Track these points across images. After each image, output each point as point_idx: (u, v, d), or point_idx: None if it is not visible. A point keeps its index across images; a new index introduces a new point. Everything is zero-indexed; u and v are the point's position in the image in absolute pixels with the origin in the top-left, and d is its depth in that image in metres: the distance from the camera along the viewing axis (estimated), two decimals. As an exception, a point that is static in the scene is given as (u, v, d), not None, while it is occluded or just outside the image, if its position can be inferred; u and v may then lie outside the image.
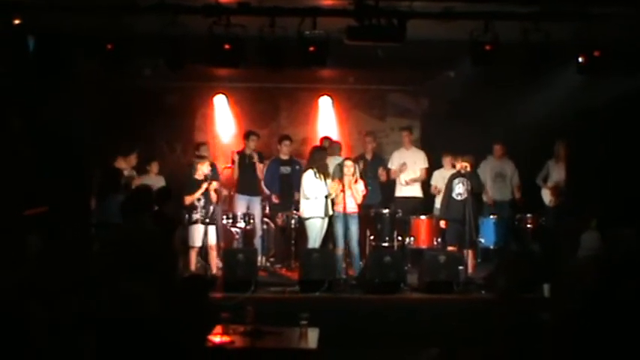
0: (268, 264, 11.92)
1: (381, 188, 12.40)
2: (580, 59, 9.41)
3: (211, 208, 10.72)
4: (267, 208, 12.35)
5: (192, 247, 10.64)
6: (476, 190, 10.82)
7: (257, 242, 11.98)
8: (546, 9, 8.77)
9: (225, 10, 8.72)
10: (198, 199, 10.52)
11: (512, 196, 12.57)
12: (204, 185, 10.54)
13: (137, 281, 6.16)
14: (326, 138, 12.89)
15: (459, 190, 10.88)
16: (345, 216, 10.83)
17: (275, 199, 12.33)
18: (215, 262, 10.79)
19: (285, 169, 12.27)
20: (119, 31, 9.01)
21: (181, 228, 10.55)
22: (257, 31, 8.81)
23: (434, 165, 12.44)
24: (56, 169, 9.75)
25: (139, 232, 6.85)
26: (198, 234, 10.53)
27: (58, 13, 8.75)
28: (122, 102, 12.07)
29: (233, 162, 12.17)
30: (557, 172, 12.20)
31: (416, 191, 12.42)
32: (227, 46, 8.91)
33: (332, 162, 11.51)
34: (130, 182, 10.98)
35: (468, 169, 10.82)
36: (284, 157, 12.42)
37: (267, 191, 12.43)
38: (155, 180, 11.64)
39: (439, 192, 11.96)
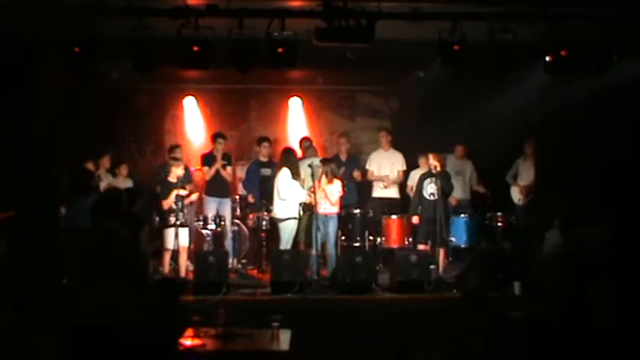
0: (239, 266, 11.90)
1: (357, 188, 12.40)
2: (547, 58, 9.48)
3: (185, 210, 10.70)
4: (238, 209, 12.31)
5: (167, 250, 10.59)
6: (446, 189, 10.86)
7: (228, 244, 11.96)
8: (513, 9, 8.82)
9: (194, 12, 8.68)
10: (175, 203, 10.47)
11: (471, 195, 12.66)
12: (175, 191, 10.48)
13: (109, 285, 6.14)
14: (306, 139, 12.86)
15: (431, 189, 10.90)
16: (322, 217, 10.85)
17: (250, 199, 12.28)
18: (185, 265, 10.74)
19: (266, 171, 12.22)
20: (86, 33, 8.94)
21: (149, 229, 10.51)
22: (225, 32, 8.80)
23: (410, 166, 12.45)
24: (23, 173, 9.65)
25: (110, 236, 6.79)
26: (172, 237, 10.47)
27: (24, 15, 8.66)
28: (90, 104, 12.01)
29: (202, 164, 12.14)
30: (526, 171, 12.30)
31: (393, 192, 12.44)
32: (196, 48, 8.88)
33: (312, 163, 11.50)
34: (98, 185, 10.91)
35: (438, 168, 10.85)
36: (264, 159, 12.40)
37: (243, 192, 12.39)
38: (124, 183, 11.59)
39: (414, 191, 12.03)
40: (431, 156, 10.91)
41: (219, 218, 11.59)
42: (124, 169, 12.02)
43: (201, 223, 11.52)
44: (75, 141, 11.18)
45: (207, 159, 12.11)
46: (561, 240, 9.13)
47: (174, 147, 12.35)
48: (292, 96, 13.93)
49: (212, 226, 11.52)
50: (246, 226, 12.13)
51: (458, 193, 12.32)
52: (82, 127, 11.60)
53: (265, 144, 12.43)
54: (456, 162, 12.58)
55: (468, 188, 12.66)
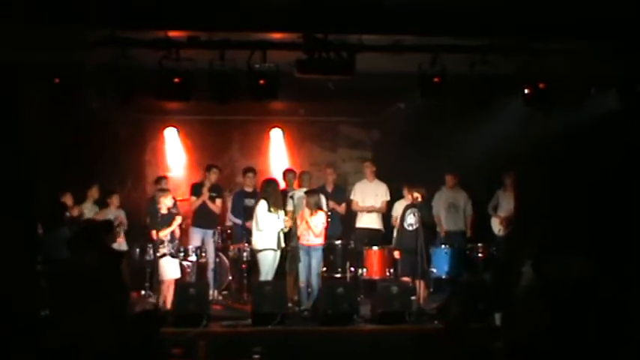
0: (220, 297, 11.84)
1: (341, 220, 12.39)
2: (526, 91, 9.56)
3: (176, 241, 10.74)
4: (220, 241, 12.27)
5: (164, 281, 10.50)
6: (426, 220, 10.89)
7: (209, 275, 11.91)
8: (493, 42, 8.91)
9: (175, 43, 8.70)
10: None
11: (466, 226, 12.68)
12: (178, 219, 10.53)
13: (86, 317, 6.09)
14: (289, 170, 12.86)
15: (411, 220, 10.96)
16: (305, 248, 10.87)
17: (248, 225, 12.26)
18: (171, 297, 10.68)
19: (250, 202, 12.19)
20: (67, 64, 8.93)
21: (127, 262, 10.50)
22: (207, 64, 8.82)
23: (394, 197, 12.45)
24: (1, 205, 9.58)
25: (87, 268, 6.76)
26: (169, 267, 10.43)
27: (4, 46, 8.65)
28: (71, 135, 11.95)
29: (191, 194, 12.13)
30: (506, 202, 12.34)
31: (376, 223, 12.44)
32: (177, 80, 8.88)
33: (293, 194, 11.50)
34: (78, 216, 10.88)
35: (420, 199, 10.91)
36: (248, 189, 12.42)
37: (235, 221, 12.35)
38: (114, 214, 11.57)
39: (398, 223, 12.06)
40: (408, 189, 10.99)
41: (200, 249, 11.56)
42: (115, 200, 12.02)
43: (182, 254, 11.47)
44: (54, 172, 11.14)
45: (196, 189, 12.12)
46: (534, 275, 9.13)
47: (160, 178, 12.37)
48: (274, 127, 13.97)
49: (193, 258, 11.49)
50: (227, 258, 12.09)
51: (450, 225, 12.35)
52: (62, 159, 11.54)
53: (250, 174, 12.45)
54: (449, 193, 12.58)
55: (462, 219, 12.64)
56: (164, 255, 10.39)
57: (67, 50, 8.72)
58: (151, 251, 10.84)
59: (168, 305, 10.24)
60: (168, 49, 8.70)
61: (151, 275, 11.14)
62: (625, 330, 5.22)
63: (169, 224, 10.58)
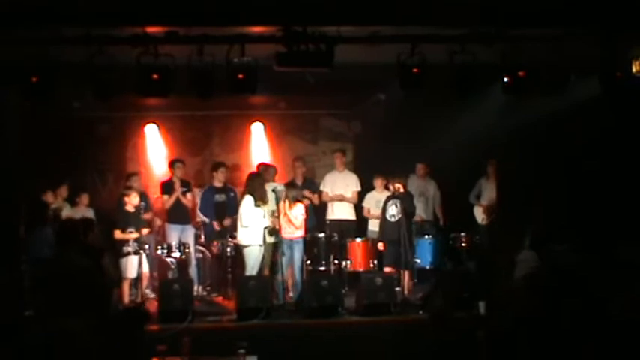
0: (205, 293, 11.82)
1: (314, 212, 12.38)
2: (505, 79, 9.58)
3: (143, 238, 10.64)
4: (203, 236, 12.24)
5: (126, 279, 10.50)
6: (409, 211, 10.91)
7: (192, 271, 11.87)
8: (471, 31, 8.91)
9: (153, 39, 8.64)
10: (130, 231, 10.42)
11: (434, 216, 12.71)
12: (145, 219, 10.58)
13: (70, 316, 6.06)
14: (262, 164, 12.84)
15: (393, 211, 10.98)
16: (287, 241, 10.87)
17: (217, 227, 12.22)
18: (144, 292, 10.64)
19: (220, 197, 12.22)
20: (45, 62, 8.86)
21: (109, 259, 10.42)
22: (185, 59, 8.76)
23: (367, 188, 12.47)
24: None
25: (68, 266, 6.73)
26: (131, 265, 10.39)
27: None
28: (51, 133, 11.88)
29: (162, 192, 12.08)
30: (489, 191, 12.38)
31: (348, 214, 12.44)
32: (155, 76, 8.80)
33: (268, 188, 11.48)
34: (59, 215, 10.80)
35: (402, 190, 10.93)
36: (218, 184, 12.36)
37: (203, 218, 12.34)
38: (84, 212, 11.49)
39: (371, 214, 12.07)
40: (393, 180, 11.00)
41: (183, 246, 11.52)
42: (84, 199, 11.94)
43: (165, 250, 11.43)
44: (35, 171, 11.07)
45: (167, 187, 12.07)
46: (534, 260, 9.15)
47: (131, 175, 12.29)
48: (254, 121, 13.93)
49: (176, 254, 11.45)
50: (211, 253, 12.06)
51: (421, 214, 12.37)
52: (42, 157, 11.46)
53: (222, 169, 12.40)
54: (420, 182, 12.63)
55: (430, 209, 12.71)
56: (128, 253, 10.33)
57: (43, 48, 8.66)
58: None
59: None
60: (146, 45, 8.65)
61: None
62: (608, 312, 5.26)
63: (136, 223, 10.52)
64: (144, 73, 8.80)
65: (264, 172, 12.19)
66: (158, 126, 13.66)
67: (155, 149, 13.70)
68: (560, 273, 5.91)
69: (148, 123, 13.61)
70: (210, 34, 8.70)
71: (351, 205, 12.45)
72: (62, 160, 12.31)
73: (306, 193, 12.14)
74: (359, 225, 12.39)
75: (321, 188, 12.54)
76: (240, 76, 8.94)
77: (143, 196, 11.40)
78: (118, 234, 10.48)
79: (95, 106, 10.83)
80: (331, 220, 12.38)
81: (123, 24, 8.51)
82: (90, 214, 11.53)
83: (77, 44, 8.56)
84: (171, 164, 12.24)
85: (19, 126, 10.38)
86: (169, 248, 11.46)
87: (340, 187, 12.40)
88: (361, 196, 12.44)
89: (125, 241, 10.39)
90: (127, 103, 12.06)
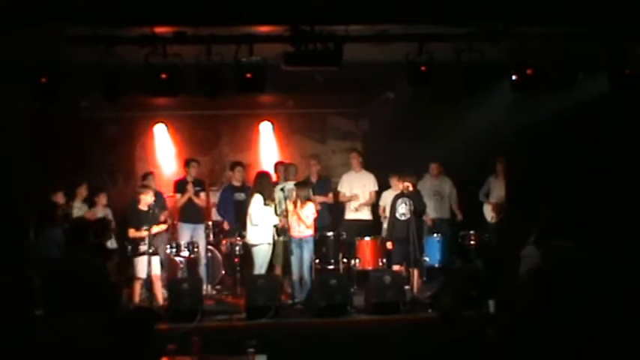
0: (214, 292, 11.84)
1: (329, 210, 12.37)
2: (513, 77, 9.56)
3: (156, 237, 10.66)
4: (212, 235, 12.26)
5: (138, 279, 10.51)
6: (419, 209, 10.90)
7: (201, 270, 11.89)
8: (479, 29, 8.91)
9: (161, 39, 8.67)
10: (145, 229, 10.44)
11: (451, 214, 12.69)
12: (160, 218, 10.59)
13: (79, 316, 6.07)
14: (281, 163, 12.83)
15: (402, 210, 10.97)
16: (297, 240, 10.87)
17: (225, 226, 12.24)
18: (160, 293, 10.66)
19: (240, 196, 12.16)
20: (53, 63, 8.89)
21: (118, 259, 10.47)
22: (194, 59, 8.79)
23: (381, 186, 12.46)
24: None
25: (77, 266, 6.75)
26: (142, 265, 10.41)
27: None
28: (59, 134, 11.91)
29: (175, 191, 12.10)
30: (497, 189, 12.37)
31: (365, 214, 12.43)
32: (164, 76, 8.83)
33: (284, 187, 11.48)
34: (69, 215, 10.84)
35: (411, 189, 10.93)
36: (237, 183, 12.37)
37: (218, 218, 12.35)
38: (102, 212, 11.53)
39: (387, 213, 12.07)
40: (398, 179, 11.01)
41: (192, 245, 11.53)
42: (103, 198, 11.96)
43: (174, 250, 11.44)
44: (45, 172, 11.11)
45: (180, 185, 12.08)
46: (538, 257, 9.15)
47: (146, 174, 12.32)
48: (263, 120, 13.96)
49: (185, 253, 11.45)
50: (220, 252, 12.08)
51: (435, 213, 12.36)
52: (52, 158, 11.50)
53: (239, 168, 12.41)
54: (434, 181, 12.62)
55: (447, 207, 12.67)
56: (142, 254, 10.35)
57: (51, 49, 8.68)
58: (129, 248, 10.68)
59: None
60: (154, 45, 8.67)
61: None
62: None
63: (149, 222, 10.52)
64: (152, 73, 8.83)
65: (284, 171, 12.21)
66: (167, 126, 13.70)
67: (164, 149, 13.74)
68: (565, 269, 5.88)
69: (157, 123, 13.66)
70: (218, 34, 8.73)
71: (369, 206, 12.42)
72: (71, 160, 12.34)
73: (318, 198, 11.95)
74: (374, 224, 12.36)
75: (339, 188, 12.54)
76: (249, 75, 8.96)
77: (158, 195, 11.40)
78: (132, 232, 10.48)
79: (104, 106, 10.84)
80: (347, 220, 12.37)
81: (131, 24, 8.54)
82: (108, 213, 11.59)
83: (86, 45, 8.58)
84: (186, 163, 12.26)
85: (27, 126, 10.44)
86: (178, 247, 11.46)
87: (357, 187, 12.40)
88: (378, 194, 12.40)
89: (140, 240, 10.40)
90: (135, 103, 12.10)
